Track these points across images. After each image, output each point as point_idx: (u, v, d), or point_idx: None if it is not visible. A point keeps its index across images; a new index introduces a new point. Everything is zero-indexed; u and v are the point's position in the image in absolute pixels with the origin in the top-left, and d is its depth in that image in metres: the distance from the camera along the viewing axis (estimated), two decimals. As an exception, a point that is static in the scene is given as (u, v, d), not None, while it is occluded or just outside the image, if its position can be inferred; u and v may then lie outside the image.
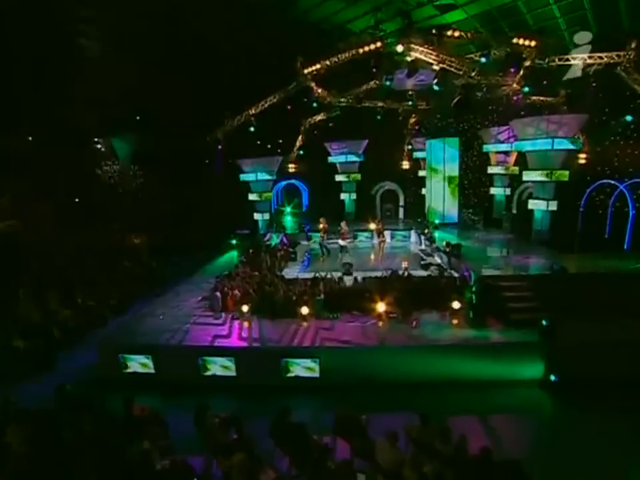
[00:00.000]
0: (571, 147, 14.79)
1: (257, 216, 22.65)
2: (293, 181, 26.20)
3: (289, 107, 18.46)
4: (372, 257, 17.22)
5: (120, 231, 22.84)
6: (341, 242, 15.84)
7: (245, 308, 11.10)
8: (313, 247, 18.75)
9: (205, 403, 6.47)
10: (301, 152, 24.82)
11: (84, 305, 13.62)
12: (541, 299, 10.50)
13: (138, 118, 27.79)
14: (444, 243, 15.17)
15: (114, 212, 24.23)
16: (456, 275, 12.98)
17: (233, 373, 9.28)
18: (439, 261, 15.12)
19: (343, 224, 16.05)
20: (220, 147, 19.10)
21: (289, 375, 9.18)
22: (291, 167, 24.95)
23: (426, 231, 17.71)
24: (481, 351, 9.12)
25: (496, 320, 10.32)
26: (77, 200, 24.60)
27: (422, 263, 14.97)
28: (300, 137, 24.37)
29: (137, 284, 16.58)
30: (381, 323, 10.59)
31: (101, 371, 9.68)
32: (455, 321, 10.62)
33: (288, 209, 24.81)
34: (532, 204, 16.13)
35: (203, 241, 20.67)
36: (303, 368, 9.14)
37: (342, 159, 23.89)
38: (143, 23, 20.98)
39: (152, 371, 9.39)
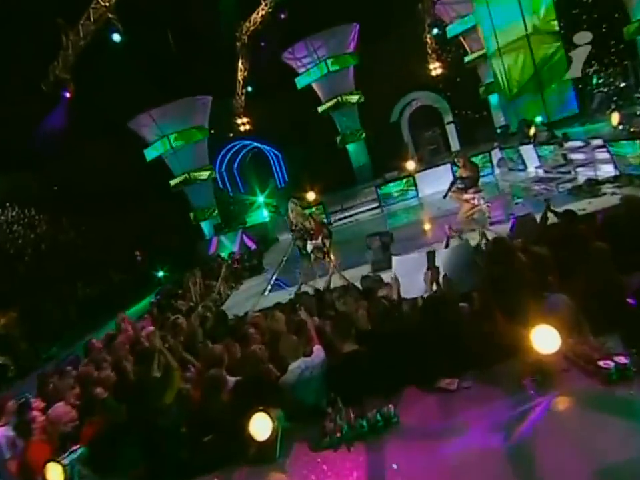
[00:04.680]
0: None
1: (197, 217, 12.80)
2: (251, 144, 15.98)
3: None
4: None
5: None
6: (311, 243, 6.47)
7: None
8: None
9: None
10: (249, 89, 14.92)
11: None
12: None
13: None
14: (615, 120, 5.33)
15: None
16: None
17: None
18: (602, 171, 6.14)
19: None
20: (68, 94, 9.44)
21: None
22: (241, 123, 15.05)
23: (531, 132, 8.71)
24: None
25: None
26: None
27: (561, 189, 6.47)
28: (240, 64, 14.38)
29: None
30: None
31: None
32: None
33: (260, 199, 14.49)
34: None
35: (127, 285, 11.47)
36: None
37: (319, 72, 13.37)
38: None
39: None
